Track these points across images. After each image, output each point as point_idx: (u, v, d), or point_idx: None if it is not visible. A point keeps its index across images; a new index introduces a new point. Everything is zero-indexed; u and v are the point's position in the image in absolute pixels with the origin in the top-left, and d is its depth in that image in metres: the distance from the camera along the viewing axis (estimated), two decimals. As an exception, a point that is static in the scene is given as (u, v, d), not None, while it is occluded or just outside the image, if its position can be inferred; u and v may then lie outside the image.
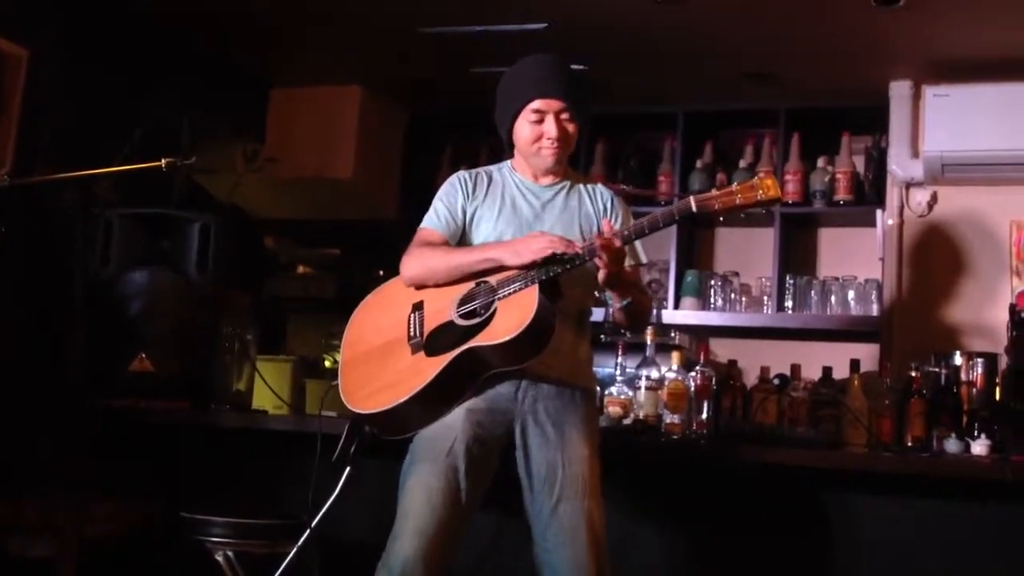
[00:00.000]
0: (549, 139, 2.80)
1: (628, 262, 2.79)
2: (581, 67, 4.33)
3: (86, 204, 3.61)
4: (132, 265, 3.76)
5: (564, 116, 2.81)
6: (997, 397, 3.50)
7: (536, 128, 2.81)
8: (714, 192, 2.60)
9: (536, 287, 2.62)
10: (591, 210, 2.90)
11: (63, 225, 3.75)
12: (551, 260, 2.62)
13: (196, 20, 4.49)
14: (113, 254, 3.79)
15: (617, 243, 2.61)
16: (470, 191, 2.89)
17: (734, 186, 2.60)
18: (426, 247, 2.84)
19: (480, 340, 2.63)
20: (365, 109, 5.17)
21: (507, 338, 2.59)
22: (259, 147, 4.92)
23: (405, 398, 2.66)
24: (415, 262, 2.82)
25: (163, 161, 2.82)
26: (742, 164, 5.10)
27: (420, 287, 2.81)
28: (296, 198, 5.35)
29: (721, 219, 2.74)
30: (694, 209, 2.59)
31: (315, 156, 5.13)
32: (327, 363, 4.35)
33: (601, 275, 2.65)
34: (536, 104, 2.79)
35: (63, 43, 4.07)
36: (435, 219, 2.88)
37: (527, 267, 2.64)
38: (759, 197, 2.56)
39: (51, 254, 3.90)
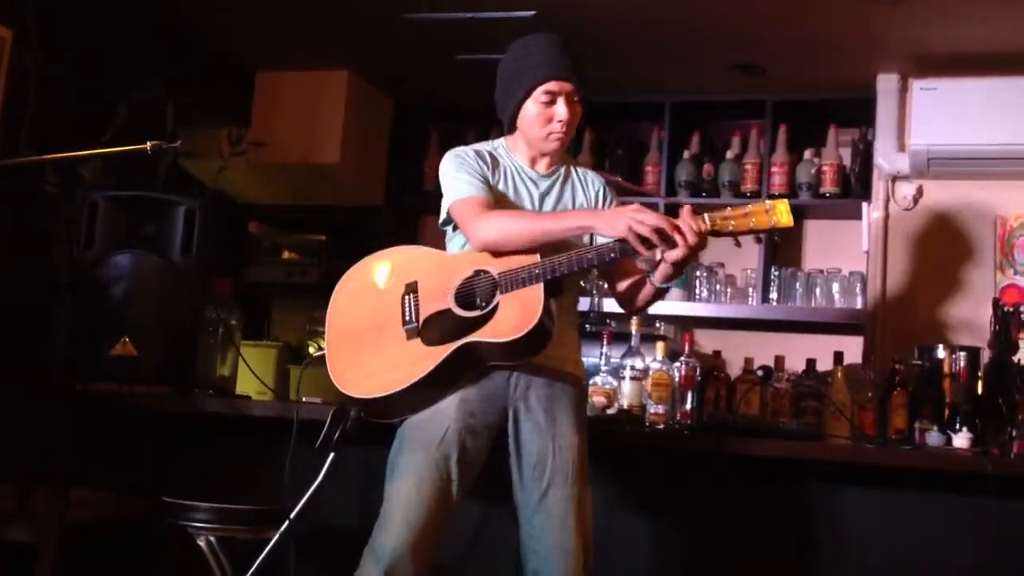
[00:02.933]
0: (560, 121, 2.74)
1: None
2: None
3: (70, 186, 3.59)
4: (116, 248, 3.73)
5: (575, 99, 2.76)
6: (979, 391, 3.50)
7: (546, 110, 2.74)
8: (729, 212, 2.56)
9: (541, 285, 2.58)
10: (583, 200, 2.87)
11: (47, 207, 3.73)
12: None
13: (182, 2, 4.46)
14: (97, 237, 3.76)
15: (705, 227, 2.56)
16: (480, 163, 2.79)
17: (748, 207, 2.56)
18: (498, 211, 2.70)
19: (482, 336, 2.59)
20: (352, 94, 5.14)
21: (512, 337, 2.56)
22: (244, 131, 4.90)
23: (402, 387, 2.62)
24: (491, 226, 2.65)
25: (148, 144, 2.79)
26: (729, 155, 5.11)
27: (497, 254, 2.67)
28: (282, 183, 5.33)
29: (736, 241, 2.73)
30: (708, 227, 2.57)
31: (301, 141, 5.11)
32: (311, 349, 4.34)
33: (679, 253, 2.57)
34: (550, 85, 2.73)
35: (47, 24, 4.04)
36: (471, 188, 2.73)
37: (621, 240, 2.58)
38: (773, 223, 2.55)
39: (35, 236, 3.88)
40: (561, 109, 2.74)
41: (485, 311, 2.62)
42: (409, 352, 2.66)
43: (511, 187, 2.82)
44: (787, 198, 4.80)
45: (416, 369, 2.62)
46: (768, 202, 2.57)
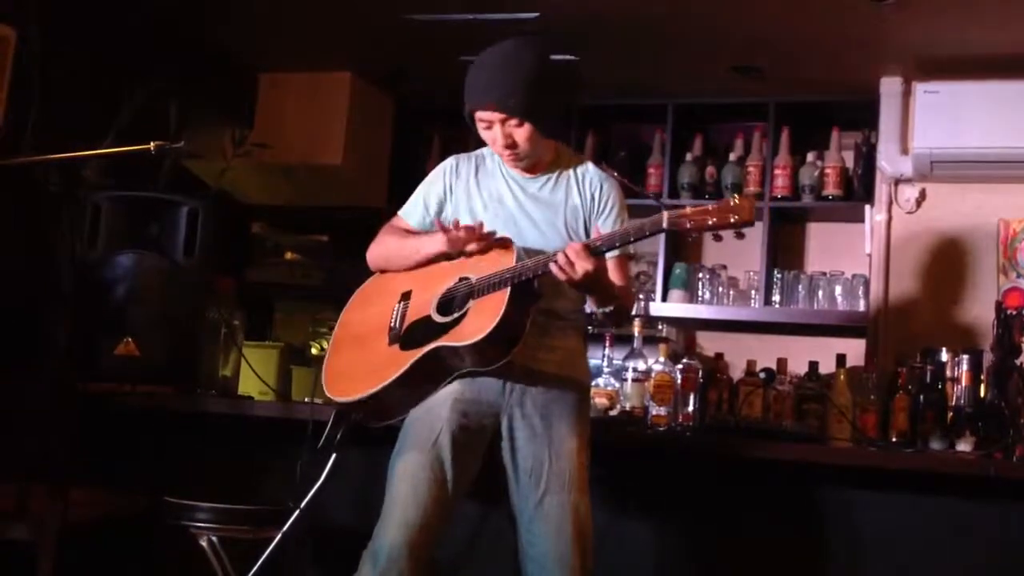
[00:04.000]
0: (500, 146, 2.74)
1: (614, 254, 2.75)
2: (569, 58, 4.36)
3: (74, 186, 3.60)
4: (119, 248, 3.74)
5: (511, 123, 2.70)
6: (982, 394, 3.50)
7: (487, 134, 2.75)
8: (688, 210, 2.50)
9: (508, 290, 2.58)
10: (578, 202, 2.83)
11: (50, 207, 3.73)
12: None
13: (185, 2, 4.46)
14: (100, 237, 3.77)
15: (579, 265, 2.53)
16: (452, 182, 2.86)
17: (709, 206, 2.50)
18: (386, 232, 2.92)
19: (447, 340, 2.62)
20: (355, 95, 5.14)
21: (472, 340, 2.57)
22: (247, 132, 4.89)
23: (373, 391, 2.67)
24: (373, 246, 2.93)
25: (152, 144, 2.79)
26: (732, 157, 5.11)
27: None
28: (285, 184, 5.33)
29: (691, 237, 2.67)
30: (665, 226, 2.51)
31: (304, 142, 5.10)
32: (314, 350, 4.34)
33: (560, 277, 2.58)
34: (480, 114, 2.72)
35: (50, 24, 4.04)
36: (410, 207, 2.93)
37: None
38: (732, 220, 2.46)
39: (38, 236, 3.88)
40: (496, 135, 2.73)
41: (456, 316, 2.65)
42: (386, 357, 2.71)
43: (495, 194, 2.84)
44: (790, 200, 4.91)
45: (386, 373, 2.66)
46: (733, 199, 2.48)
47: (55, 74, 4.07)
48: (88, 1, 4.24)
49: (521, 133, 2.71)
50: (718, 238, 2.53)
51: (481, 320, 2.58)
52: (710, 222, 2.48)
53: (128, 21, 4.45)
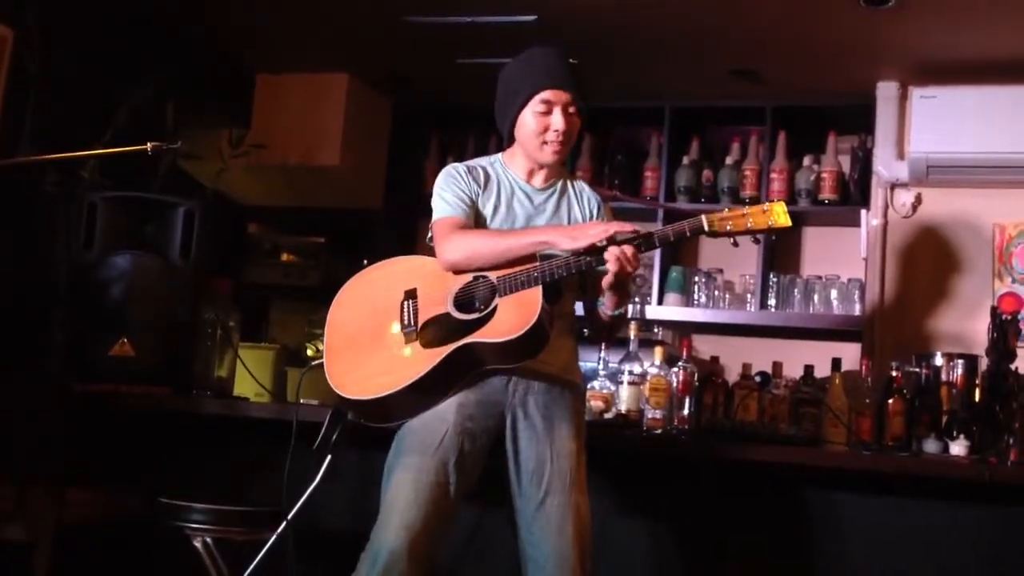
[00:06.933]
0: (555, 131, 2.75)
1: None
2: (572, 61, 4.36)
3: (70, 186, 3.59)
4: (115, 249, 3.74)
5: (571, 110, 2.78)
6: (976, 398, 3.51)
7: (543, 119, 2.76)
8: (727, 212, 2.63)
9: (540, 289, 2.60)
10: (579, 215, 2.88)
11: (47, 207, 3.73)
12: (592, 251, 2.62)
13: (183, 3, 4.47)
14: (96, 237, 3.77)
15: (632, 250, 2.60)
16: (470, 181, 2.83)
17: (746, 209, 2.63)
18: (466, 231, 2.74)
19: (480, 336, 2.61)
20: (352, 97, 5.14)
21: (509, 337, 2.57)
22: (244, 133, 4.90)
23: (398, 388, 2.63)
24: (457, 246, 2.70)
25: (149, 145, 2.79)
26: (728, 161, 5.11)
27: (459, 272, 2.72)
28: (282, 185, 5.33)
29: (734, 241, 2.73)
30: (706, 228, 2.61)
31: (301, 143, 5.10)
32: (309, 351, 4.34)
33: (608, 277, 2.64)
34: (546, 94, 2.75)
35: (48, 25, 4.04)
36: (450, 208, 2.78)
37: (582, 252, 2.62)
38: (770, 223, 2.63)
39: (34, 236, 3.88)
40: (557, 119, 2.76)
41: (483, 313, 2.64)
42: (406, 355, 2.67)
43: (504, 203, 2.83)
44: (786, 204, 4.89)
45: (413, 371, 2.63)
46: (766, 204, 2.64)
47: (52, 74, 4.07)
48: (86, 1, 4.25)
49: (575, 123, 2.82)
50: (756, 240, 2.61)
51: (516, 317, 2.58)
52: (749, 224, 2.62)
53: (126, 21, 4.45)
